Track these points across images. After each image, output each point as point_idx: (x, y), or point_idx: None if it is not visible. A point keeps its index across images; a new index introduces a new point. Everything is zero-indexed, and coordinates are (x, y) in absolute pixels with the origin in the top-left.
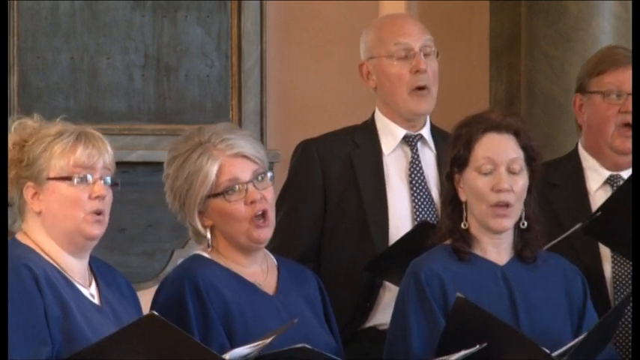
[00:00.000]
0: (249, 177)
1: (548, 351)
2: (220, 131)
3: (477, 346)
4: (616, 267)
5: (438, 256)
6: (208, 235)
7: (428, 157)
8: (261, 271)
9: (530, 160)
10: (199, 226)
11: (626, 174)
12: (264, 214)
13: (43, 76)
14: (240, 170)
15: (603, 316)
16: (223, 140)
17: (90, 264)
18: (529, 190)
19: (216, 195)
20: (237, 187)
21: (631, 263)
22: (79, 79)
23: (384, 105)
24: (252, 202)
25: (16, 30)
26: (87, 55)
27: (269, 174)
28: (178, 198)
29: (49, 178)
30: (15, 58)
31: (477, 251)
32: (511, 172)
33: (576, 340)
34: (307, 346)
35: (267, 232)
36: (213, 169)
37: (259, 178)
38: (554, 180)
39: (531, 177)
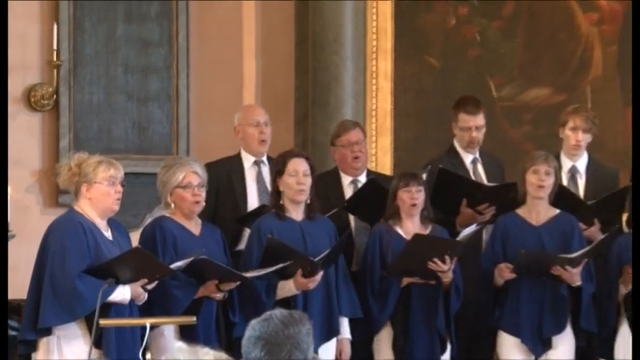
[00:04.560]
0: (196, 183)
1: (313, 259)
2: (187, 160)
3: (288, 262)
4: (357, 224)
5: (269, 217)
6: (172, 205)
7: (265, 172)
8: (194, 224)
9: (312, 172)
10: (169, 200)
11: (362, 178)
12: (199, 201)
13: (86, 139)
14: (193, 179)
15: (335, 244)
16: (189, 164)
17: (108, 221)
18: (311, 185)
19: (179, 187)
20: (190, 187)
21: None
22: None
23: (244, 146)
24: (194, 195)
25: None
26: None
27: (205, 184)
28: (162, 186)
29: (95, 182)
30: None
31: (287, 214)
32: (304, 175)
33: (325, 252)
34: (206, 257)
35: (199, 208)
36: (180, 176)
37: (200, 184)
38: (327, 181)
39: (312, 179)
